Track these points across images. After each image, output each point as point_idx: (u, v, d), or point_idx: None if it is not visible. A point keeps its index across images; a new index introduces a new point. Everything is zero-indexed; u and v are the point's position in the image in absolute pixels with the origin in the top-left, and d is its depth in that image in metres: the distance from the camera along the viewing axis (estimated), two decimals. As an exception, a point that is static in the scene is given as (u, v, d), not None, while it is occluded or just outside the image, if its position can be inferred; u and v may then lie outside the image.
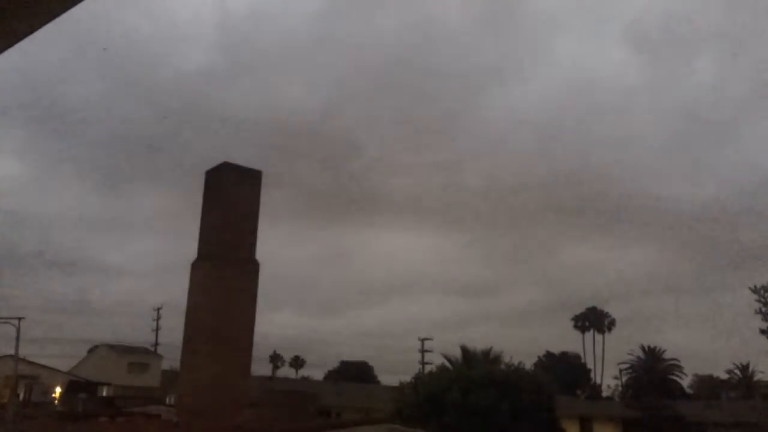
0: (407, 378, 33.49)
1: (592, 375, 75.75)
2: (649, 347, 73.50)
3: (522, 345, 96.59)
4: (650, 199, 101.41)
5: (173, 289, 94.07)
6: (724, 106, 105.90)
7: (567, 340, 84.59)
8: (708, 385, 78.48)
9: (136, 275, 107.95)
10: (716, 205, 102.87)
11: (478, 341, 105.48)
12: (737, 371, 72.84)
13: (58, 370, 50.44)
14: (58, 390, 43.78)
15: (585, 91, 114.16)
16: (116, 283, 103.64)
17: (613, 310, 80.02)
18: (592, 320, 77.07)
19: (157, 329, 65.86)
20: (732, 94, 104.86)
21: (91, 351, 60.08)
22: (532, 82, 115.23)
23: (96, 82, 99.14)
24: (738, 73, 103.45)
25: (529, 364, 44.75)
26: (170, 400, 26.34)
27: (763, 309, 24.55)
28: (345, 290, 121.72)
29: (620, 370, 75.18)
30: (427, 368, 50.76)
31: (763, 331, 24.82)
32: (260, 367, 73.28)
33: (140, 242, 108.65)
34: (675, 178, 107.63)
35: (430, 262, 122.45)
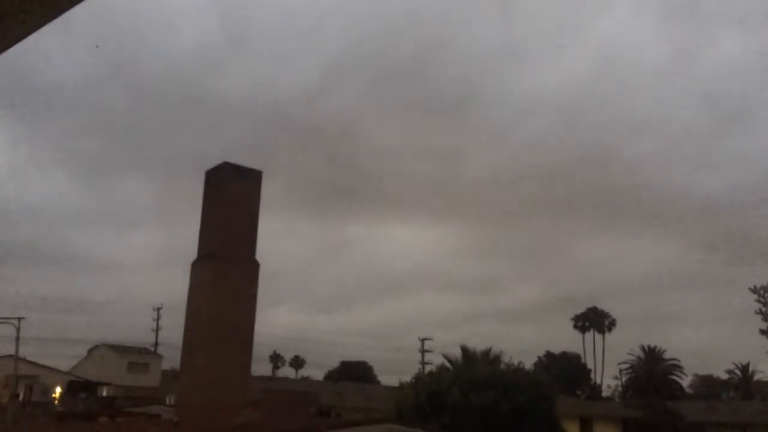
0: (407, 378, 33.51)
1: (592, 375, 75.79)
2: (649, 347, 73.56)
3: (525, 343, 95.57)
4: (664, 190, 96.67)
5: (170, 286, 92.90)
6: (749, 90, 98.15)
7: (568, 339, 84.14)
8: (708, 385, 78.56)
9: (129, 271, 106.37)
10: (733, 197, 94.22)
11: (480, 339, 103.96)
12: (737, 371, 72.87)
13: (58, 370, 50.43)
14: (58, 390, 43.77)
15: (606, 73, 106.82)
16: (109, 280, 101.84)
17: (618, 307, 79.44)
18: (592, 320, 77.06)
19: (157, 329, 65.82)
20: (756, 78, 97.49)
21: (91, 351, 60.08)
22: (549, 65, 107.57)
23: (82, 62, 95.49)
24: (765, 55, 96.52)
25: (529, 364, 44.79)
26: (170, 400, 26.30)
27: (763, 309, 24.52)
28: (343, 288, 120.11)
29: (620, 370, 75.34)
30: (427, 368, 50.78)
31: (763, 331, 24.80)
32: (260, 367, 73.28)
33: (133, 236, 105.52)
34: (692, 167, 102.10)
35: (432, 257, 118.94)
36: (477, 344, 32.20)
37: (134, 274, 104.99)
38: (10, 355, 39.52)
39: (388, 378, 72.33)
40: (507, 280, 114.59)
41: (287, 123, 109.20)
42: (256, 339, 19.34)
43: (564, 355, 74.94)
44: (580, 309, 78.42)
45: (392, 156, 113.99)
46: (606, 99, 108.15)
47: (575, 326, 77.77)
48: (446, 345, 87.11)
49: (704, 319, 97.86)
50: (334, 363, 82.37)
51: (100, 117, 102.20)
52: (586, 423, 44.92)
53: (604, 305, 78.52)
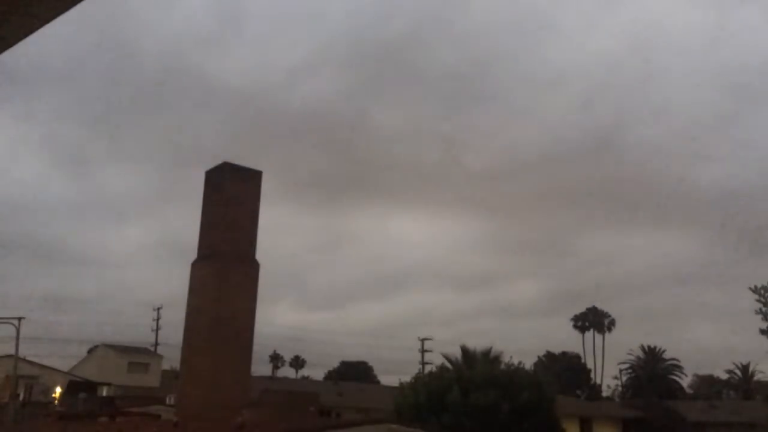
0: (407, 378, 33.49)
1: (592, 375, 75.79)
2: (649, 347, 73.60)
3: (525, 341, 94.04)
4: (679, 180, 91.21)
5: (170, 281, 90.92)
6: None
7: (568, 339, 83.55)
8: (708, 385, 78.55)
9: (127, 268, 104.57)
10: (749, 190, 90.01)
11: (481, 337, 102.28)
12: (737, 371, 72.87)
13: (58, 370, 50.45)
14: (58, 390, 43.77)
15: (631, 55, 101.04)
16: (106, 277, 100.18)
17: (619, 306, 78.07)
18: (592, 320, 77.06)
19: (157, 329, 65.88)
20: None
21: (91, 351, 60.10)
22: (569, 45, 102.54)
23: (69, 48, 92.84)
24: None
25: (529, 364, 44.77)
26: (170, 400, 26.31)
27: (763, 309, 24.47)
28: (341, 286, 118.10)
29: (620, 370, 75.37)
30: (427, 368, 50.80)
31: (763, 331, 24.75)
32: (260, 367, 73.17)
33: (128, 230, 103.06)
34: (709, 156, 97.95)
35: (432, 252, 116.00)
36: (477, 342, 32.26)
37: (132, 271, 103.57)
38: (10, 355, 39.52)
39: (388, 378, 72.35)
40: (509, 277, 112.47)
41: (281, 111, 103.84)
42: (256, 339, 19.38)
43: (564, 355, 74.98)
44: (581, 308, 78.58)
45: (392, 144, 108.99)
46: (627, 82, 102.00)
47: (575, 326, 77.83)
48: (446, 343, 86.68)
49: (705, 318, 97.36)
50: (334, 363, 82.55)
51: (90, 104, 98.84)
52: (586, 423, 44.90)
53: (606, 303, 78.46)
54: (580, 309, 78.17)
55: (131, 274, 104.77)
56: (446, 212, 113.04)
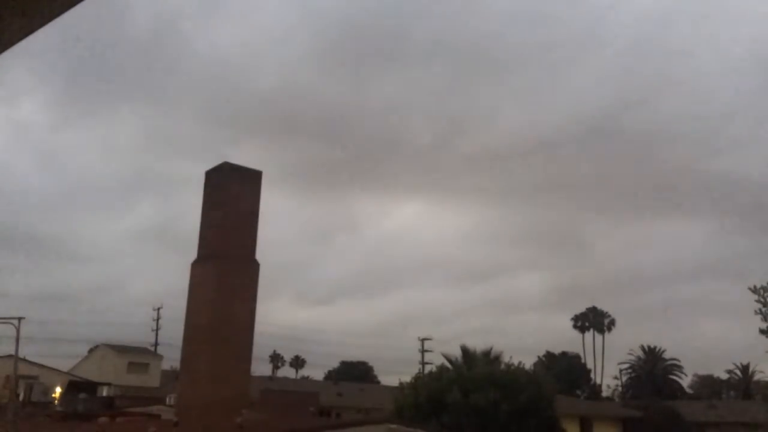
0: (407, 378, 33.49)
1: (592, 375, 75.80)
2: (649, 347, 73.64)
3: (530, 338, 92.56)
4: (702, 169, 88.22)
5: (160, 280, 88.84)
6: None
7: (568, 339, 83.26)
8: (708, 385, 78.56)
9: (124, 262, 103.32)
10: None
11: (482, 335, 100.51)
12: (737, 371, 72.89)
13: (58, 370, 50.45)
14: (58, 390, 43.76)
15: (657, 27, 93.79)
16: (103, 272, 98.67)
17: (620, 305, 76.79)
18: (592, 320, 77.06)
19: (157, 329, 65.98)
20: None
21: (91, 351, 60.15)
22: (586, 14, 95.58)
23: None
24: None
25: (529, 364, 44.73)
26: (170, 400, 26.34)
27: (763, 309, 24.47)
28: (341, 284, 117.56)
29: (620, 370, 75.40)
30: (427, 368, 50.81)
31: (763, 331, 24.75)
32: (260, 367, 73.16)
33: (120, 226, 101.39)
34: (725, 148, 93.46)
35: (430, 247, 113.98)
36: (477, 340, 32.30)
37: (132, 270, 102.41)
38: (10, 355, 39.49)
39: (388, 378, 72.36)
40: (510, 272, 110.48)
41: (271, 98, 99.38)
42: (256, 339, 19.39)
43: (564, 355, 74.98)
44: (582, 306, 78.62)
45: (390, 131, 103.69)
46: (646, 59, 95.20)
47: (575, 326, 77.83)
48: (446, 341, 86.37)
49: (705, 318, 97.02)
50: (334, 363, 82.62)
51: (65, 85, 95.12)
52: (586, 423, 44.89)
53: (606, 303, 78.43)
54: (581, 308, 78.35)
55: (131, 272, 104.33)
56: (447, 201, 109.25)
